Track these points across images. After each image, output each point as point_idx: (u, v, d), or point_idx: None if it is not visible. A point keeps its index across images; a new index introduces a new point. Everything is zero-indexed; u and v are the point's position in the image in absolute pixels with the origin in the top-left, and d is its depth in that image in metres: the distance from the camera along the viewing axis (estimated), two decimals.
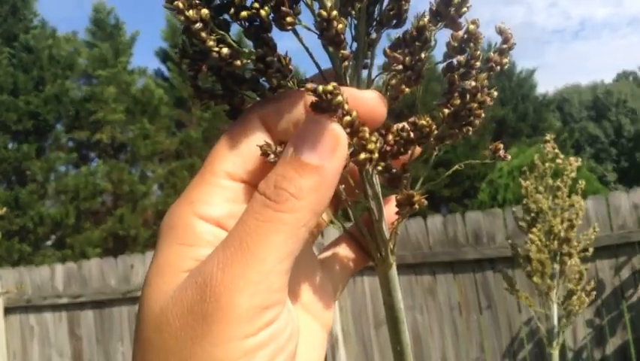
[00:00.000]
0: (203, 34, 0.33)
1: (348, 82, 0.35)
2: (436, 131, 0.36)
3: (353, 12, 0.35)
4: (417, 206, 0.36)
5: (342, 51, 0.34)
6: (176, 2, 0.32)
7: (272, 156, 0.33)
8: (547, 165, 1.86)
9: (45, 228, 9.55)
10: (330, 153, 0.32)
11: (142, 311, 0.33)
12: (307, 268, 0.39)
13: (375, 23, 0.35)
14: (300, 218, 0.31)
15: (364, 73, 0.36)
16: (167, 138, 10.78)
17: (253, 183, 0.34)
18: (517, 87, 15.81)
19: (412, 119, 0.36)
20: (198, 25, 0.32)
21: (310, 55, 0.36)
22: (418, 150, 0.37)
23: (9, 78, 9.93)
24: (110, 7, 11.45)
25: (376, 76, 0.36)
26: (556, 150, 1.86)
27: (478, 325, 3.53)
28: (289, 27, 0.33)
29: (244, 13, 0.33)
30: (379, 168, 0.36)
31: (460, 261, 3.56)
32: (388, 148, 0.36)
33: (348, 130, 0.32)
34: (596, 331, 3.28)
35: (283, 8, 0.33)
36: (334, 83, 0.31)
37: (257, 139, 0.34)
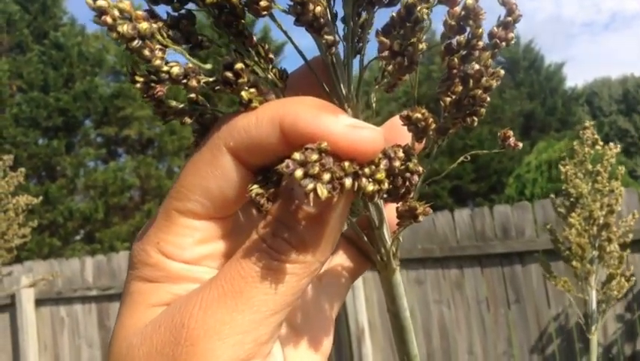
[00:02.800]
0: (146, 53, 0.27)
1: (337, 71, 0.32)
2: (433, 125, 0.32)
3: None
4: (420, 218, 0.33)
5: (325, 37, 0.30)
6: (103, 17, 0.26)
7: (268, 203, 0.29)
8: (586, 150, 1.84)
9: (74, 222, 9.71)
10: (333, 198, 0.27)
11: (110, 350, 0.30)
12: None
13: (365, 2, 0.31)
14: (302, 270, 0.28)
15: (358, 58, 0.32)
16: (193, 133, 10.86)
17: (224, 217, 0.31)
18: (546, 81, 15.61)
19: (405, 113, 0.32)
20: (137, 42, 0.27)
21: (293, 43, 0.32)
22: (419, 146, 0.33)
23: (39, 75, 10.10)
24: (138, 4, 11.56)
25: (369, 62, 0.32)
26: (596, 136, 1.84)
27: (506, 319, 3.50)
28: (264, 12, 0.29)
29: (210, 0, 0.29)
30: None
31: (487, 255, 3.52)
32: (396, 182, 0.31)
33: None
34: (627, 326, 3.22)
35: None
36: (313, 156, 0.26)
37: (227, 179, 0.29)
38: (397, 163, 0.29)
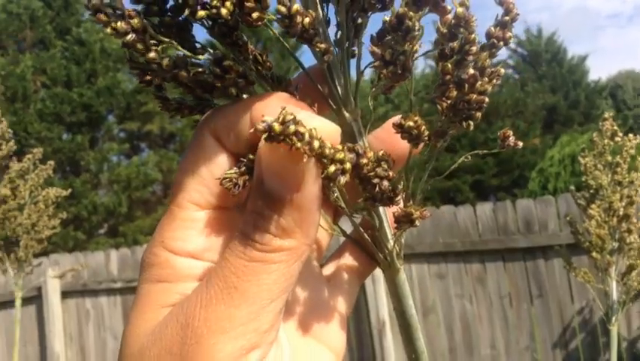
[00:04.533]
0: (140, 46, 0.29)
1: (334, 76, 0.32)
2: (426, 132, 0.32)
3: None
4: (417, 223, 0.33)
5: (318, 45, 0.30)
6: (98, 15, 0.28)
7: (235, 188, 0.30)
8: (606, 141, 1.83)
9: (98, 216, 9.82)
10: (300, 180, 0.28)
11: (121, 351, 0.31)
12: (312, 288, 0.36)
13: (358, 8, 0.32)
14: (290, 255, 0.29)
15: (354, 63, 0.33)
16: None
17: (224, 205, 0.32)
18: (569, 74, 15.41)
19: (397, 121, 0.32)
20: (130, 36, 0.29)
21: (289, 50, 0.33)
22: (415, 150, 0.34)
23: (62, 71, 10.22)
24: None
25: (365, 67, 0.32)
26: (615, 128, 1.82)
27: (529, 314, 3.48)
28: (257, 23, 0.29)
29: (202, 13, 0.29)
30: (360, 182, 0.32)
31: (510, 249, 3.51)
32: (365, 170, 0.31)
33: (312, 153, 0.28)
34: None
35: (248, 4, 0.29)
36: (288, 115, 0.27)
37: (214, 160, 0.31)
38: (365, 160, 0.30)
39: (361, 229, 0.36)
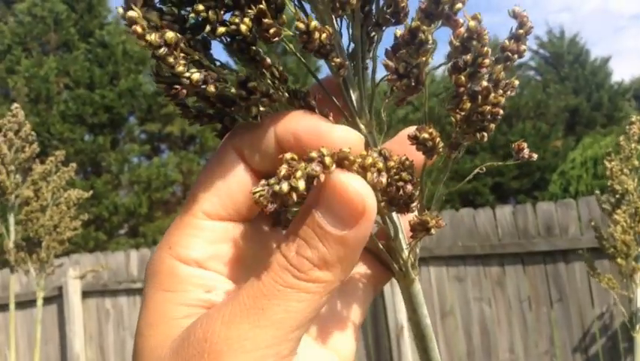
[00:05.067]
0: (170, 60, 0.29)
1: (349, 88, 0.33)
2: (441, 143, 0.33)
3: (345, 14, 0.32)
4: (433, 231, 0.33)
5: (334, 60, 0.31)
6: (134, 27, 0.29)
7: (270, 205, 0.29)
8: (632, 145, 1.81)
9: (119, 217, 9.93)
10: (356, 220, 0.29)
11: None
12: None
13: (372, 23, 0.32)
14: (323, 288, 0.29)
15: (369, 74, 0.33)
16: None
17: (235, 219, 0.32)
18: (591, 76, 15.24)
19: (412, 133, 0.33)
20: (163, 50, 0.29)
21: (305, 65, 0.34)
22: (429, 162, 0.34)
23: (85, 73, 10.35)
24: None
25: (380, 80, 0.33)
26: None
27: (549, 318, 3.45)
28: (274, 39, 0.30)
29: (221, 30, 0.30)
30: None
31: (530, 253, 3.48)
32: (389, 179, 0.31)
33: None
34: None
35: (265, 20, 0.29)
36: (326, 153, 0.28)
37: (233, 174, 0.32)
38: (392, 163, 0.30)
39: (376, 238, 0.36)
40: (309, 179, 0.28)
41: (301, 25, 0.29)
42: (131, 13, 0.29)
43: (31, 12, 10.77)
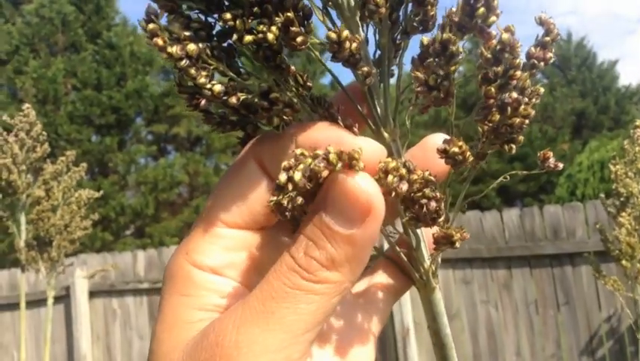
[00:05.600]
0: (192, 71, 0.29)
1: (374, 97, 0.32)
2: (471, 157, 0.32)
3: (373, 22, 0.31)
4: (457, 245, 0.33)
5: (362, 69, 0.31)
6: (155, 39, 0.28)
7: (287, 213, 0.29)
8: (637, 149, 1.81)
9: (126, 217, 9.96)
10: (363, 218, 0.28)
11: None
12: (342, 306, 0.35)
13: (400, 30, 0.32)
14: (333, 289, 0.29)
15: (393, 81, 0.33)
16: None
17: (252, 228, 0.33)
18: (599, 79, 15.19)
19: (442, 146, 0.32)
20: (184, 62, 0.29)
21: (330, 72, 0.33)
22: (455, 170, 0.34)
23: (93, 74, 10.39)
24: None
25: (405, 88, 0.32)
26: None
27: (555, 321, 3.44)
28: (301, 47, 0.30)
29: (248, 38, 0.30)
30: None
31: (537, 256, 3.47)
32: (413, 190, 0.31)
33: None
34: None
35: (293, 28, 0.29)
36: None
37: (252, 184, 0.32)
38: (415, 177, 0.30)
39: (397, 247, 0.36)
40: (312, 174, 0.28)
41: (333, 36, 0.29)
42: (151, 26, 0.28)
43: (38, 13, 10.82)
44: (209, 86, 0.29)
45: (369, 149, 0.30)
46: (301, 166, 0.28)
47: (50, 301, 1.81)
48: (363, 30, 0.32)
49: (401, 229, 0.35)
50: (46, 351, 1.86)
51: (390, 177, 0.29)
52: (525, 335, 3.52)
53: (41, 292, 3.98)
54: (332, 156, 0.28)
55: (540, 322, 3.48)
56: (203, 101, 0.31)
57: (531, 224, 3.50)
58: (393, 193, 0.29)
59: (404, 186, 0.29)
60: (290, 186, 0.28)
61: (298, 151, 0.28)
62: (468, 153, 0.32)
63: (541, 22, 0.32)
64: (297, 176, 0.28)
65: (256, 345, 0.28)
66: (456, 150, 0.32)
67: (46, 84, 10.06)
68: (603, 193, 2.22)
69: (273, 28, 0.29)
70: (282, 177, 0.28)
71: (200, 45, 0.30)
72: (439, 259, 0.35)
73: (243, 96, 0.31)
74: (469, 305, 3.65)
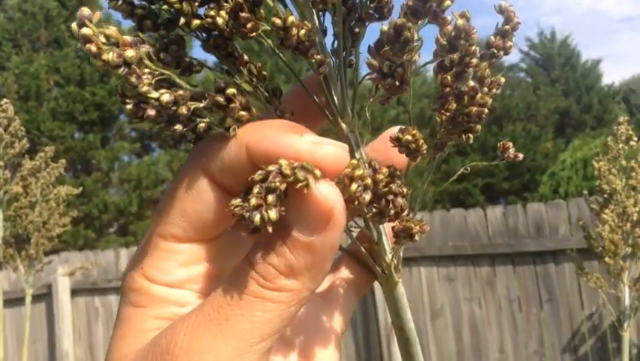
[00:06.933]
0: (133, 79, 0.27)
1: (331, 87, 0.31)
2: (424, 145, 0.31)
3: (326, 9, 0.30)
4: (417, 238, 0.32)
5: (314, 57, 0.30)
6: (88, 45, 0.26)
7: (248, 221, 0.27)
8: (620, 146, 1.82)
9: (109, 215, 9.89)
10: (324, 225, 0.27)
11: None
12: (305, 306, 0.34)
13: (355, 18, 0.31)
14: (291, 298, 0.28)
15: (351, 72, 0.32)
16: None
17: (207, 239, 0.31)
18: (582, 78, 15.34)
19: (394, 135, 0.31)
20: (122, 69, 0.26)
21: (285, 62, 0.32)
22: (413, 163, 0.33)
23: (76, 70, 10.29)
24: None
25: (363, 78, 0.31)
26: (630, 132, 1.82)
27: (538, 318, 3.46)
28: (251, 34, 0.29)
29: (196, 23, 0.28)
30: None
31: (520, 253, 3.49)
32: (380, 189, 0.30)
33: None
34: None
35: (242, 14, 0.28)
36: (285, 163, 0.26)
37: (200, 196, 0.30)
38: (380, 176, 0.29)
39: (358, 241, 0.35)
40: (269, 192, 0.26)
41: (278, 21, 0.28)
42: (84, 31, 0.26)
43: (21, 8, 10.70)
44: (155, 95, 0.27)
45: (335, 155, 0.28)
46: (270, 199, 0.26)
47: (28, 299, 1.78)
48: (320, 18, 0.31)
49: (362, 223, 0.34)
50: (24, 350, 1.84)
51: (354, 186, 0.28)
52: (508, 332, 3.53)
53: (22, 290, 3.93)
54: (285, 170, 0.26)
55: (523, 319, 3.50)
56: (150, 112, 0.28)
57: (514, 221, 3.52)
58: (356, 202, 0.28)
59: (367, 196, 0.28)
60: (269, 227, 0.26)
61: (257, 177, 0.27)
62: (421, 142, 0.31)
63: (500, 11, 0.32)
64: (273, 215, 0.26)
65: (208, 353, 0.26)
66: (409, 137, 0.31)
67: (28, 80, 9.95)
68: (586, 191, 2.24)
69: (222, 12, 0.28)
70: (257, 218, 0.26)
71: (143, 49, 0.27)
72: (401, 253, 0.34)
73: (194, 105, 0.28)
74: (453, 302, 3.67)
